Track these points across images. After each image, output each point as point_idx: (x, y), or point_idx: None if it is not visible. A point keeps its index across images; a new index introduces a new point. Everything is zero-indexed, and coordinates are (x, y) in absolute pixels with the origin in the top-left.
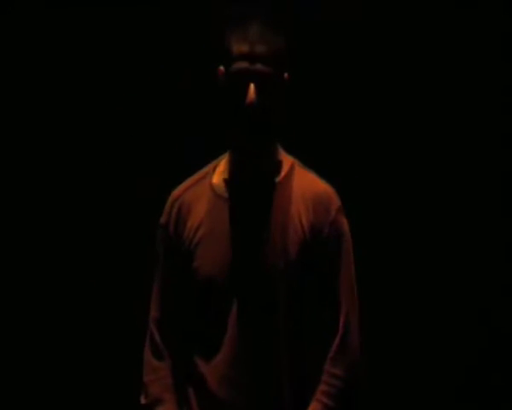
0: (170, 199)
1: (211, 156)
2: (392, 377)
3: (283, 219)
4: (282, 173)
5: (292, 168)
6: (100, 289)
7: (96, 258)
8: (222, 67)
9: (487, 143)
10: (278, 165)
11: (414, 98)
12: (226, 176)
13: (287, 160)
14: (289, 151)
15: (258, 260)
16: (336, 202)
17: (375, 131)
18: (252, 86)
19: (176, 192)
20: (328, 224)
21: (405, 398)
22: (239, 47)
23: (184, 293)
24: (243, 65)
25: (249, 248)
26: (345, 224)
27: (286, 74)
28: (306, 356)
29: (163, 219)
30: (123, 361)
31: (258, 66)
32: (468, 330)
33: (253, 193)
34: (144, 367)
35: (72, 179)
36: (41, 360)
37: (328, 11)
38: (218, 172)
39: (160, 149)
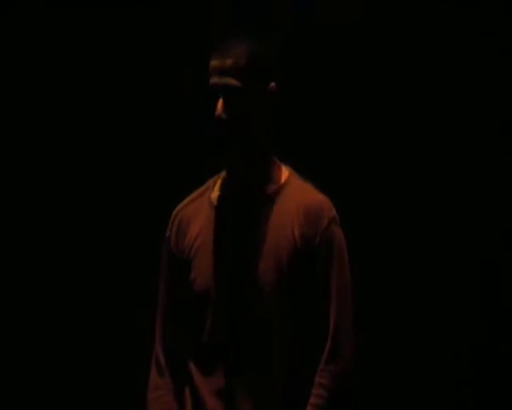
0: (173, 214)
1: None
2: (391, 378)
3: (276, 229)
4: (276, 185)
5: (288, 179)
6: (107, 299)
7: (103, 268)
8: None
9: (486, 148)
10: (272, 176)
11: (414, 102)
12: (222, 189)
13: (283, 171)
14: (286, 156)
15: (251, 271)
16: (330, 212)
17: (374, 136)
18: (220, 101)
19: (178, 207)
20: (319, 233)
21: (405, 399)
22: (212, 63)
23: (186, 306)
24: (214, 80)
25: (242, 259)
26: (337, 234)
27: (273, 84)
28: (301, 366)
29: (166, 235)
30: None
31: (226, 79)
32: (468, 330)
33: (245, 205)
34: (149, 384)
35: (76, 186)
36: (46, 369)
37: (323, 14)
38: (217, 186)
39: (164, 154)
